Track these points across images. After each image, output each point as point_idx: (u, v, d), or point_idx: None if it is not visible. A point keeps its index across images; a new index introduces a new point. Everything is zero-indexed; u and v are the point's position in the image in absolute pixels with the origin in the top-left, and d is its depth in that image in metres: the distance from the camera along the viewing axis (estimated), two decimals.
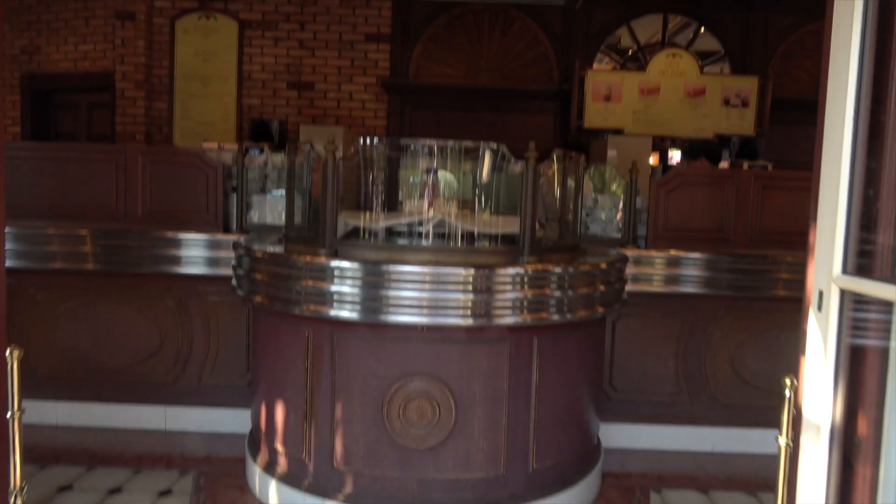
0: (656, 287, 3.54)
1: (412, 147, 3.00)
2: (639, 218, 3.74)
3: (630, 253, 3.45)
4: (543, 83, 6.34)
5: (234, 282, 3.01)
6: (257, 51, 6.36)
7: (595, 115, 5.91)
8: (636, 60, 6.53)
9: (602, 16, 6.32)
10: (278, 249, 2.95)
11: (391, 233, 3.00)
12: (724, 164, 5.94)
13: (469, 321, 2.52)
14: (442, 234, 2.91)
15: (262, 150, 5.19)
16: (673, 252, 3.52)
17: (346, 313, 2.54)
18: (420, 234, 2.91)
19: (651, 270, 3.54)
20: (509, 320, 2.55)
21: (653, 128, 5.96)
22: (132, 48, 6.15)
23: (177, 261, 3.55)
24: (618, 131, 5.87)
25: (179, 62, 6.34)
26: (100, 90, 6.41)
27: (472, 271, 2.51)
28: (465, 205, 3.25)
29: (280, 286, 2.68)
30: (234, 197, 3.76)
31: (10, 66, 6.76)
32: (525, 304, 2.57)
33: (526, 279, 2.57)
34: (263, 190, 3.92)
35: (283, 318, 2.77)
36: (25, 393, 3.61)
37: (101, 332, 3.66)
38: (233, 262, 3.06)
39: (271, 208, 3.77)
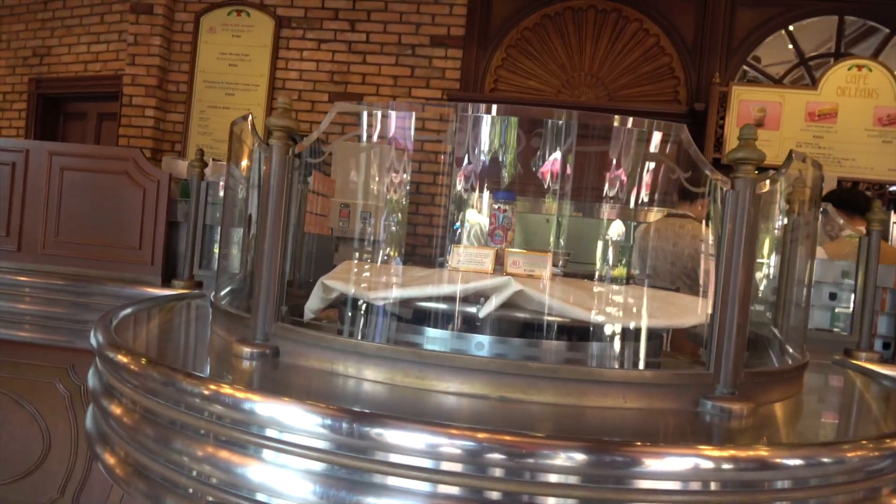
0: None
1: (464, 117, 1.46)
2: (876, 302, 2.06)
3: (866, 367, 1.81)
4: (666, 103, 4.71)
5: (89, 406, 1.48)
6: (295, 54, 5.06)
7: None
8: (797, 78, 4.82)
9: (749, 17, 4.68)
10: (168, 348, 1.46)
11: (416, 314, 1.42)
12: None
13: None
14: (522, 325, 1.34)
15: None
16: None
17: None
18: (471, 324, 1.33)
19: None
20: None
21: (825, 166, 4.20)
22: (145, 47, 4.99)
23: (77, 326, 2.23)
24: (773, 169, 4.14)
25: (202, 66, 5.12)
26: (110, 98, 5.28)
27: (578, 456, 0.90)
28: (559, 259, 1.72)
29: (151, 443, 1.14)
30: (185, 228, 2.36)
31: (19, 69, 5.78)
32: None
33: (720, 485, 0.94)
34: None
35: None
36: None
37: None
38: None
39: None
